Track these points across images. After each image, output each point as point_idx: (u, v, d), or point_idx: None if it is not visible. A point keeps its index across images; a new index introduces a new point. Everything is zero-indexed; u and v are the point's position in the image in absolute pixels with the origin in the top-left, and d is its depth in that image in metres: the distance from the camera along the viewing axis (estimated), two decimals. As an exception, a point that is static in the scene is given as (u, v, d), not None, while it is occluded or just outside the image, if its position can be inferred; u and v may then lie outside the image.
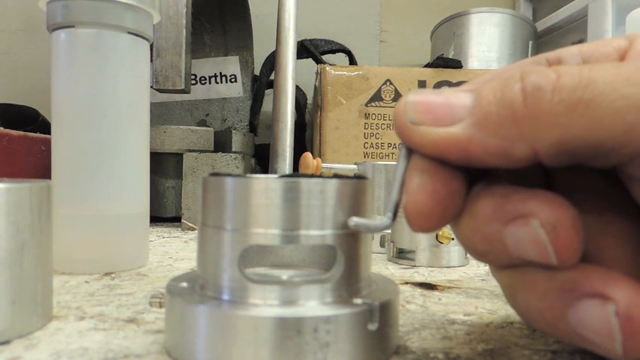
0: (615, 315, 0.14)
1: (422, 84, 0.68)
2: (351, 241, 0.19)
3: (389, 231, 0.42)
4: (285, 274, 0.23)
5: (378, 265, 0.39)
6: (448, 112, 0.16)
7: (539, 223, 0.15)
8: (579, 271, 0.15)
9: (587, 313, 0.15)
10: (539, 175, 0.19)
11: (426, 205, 0.16)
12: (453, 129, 0.15)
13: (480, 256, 0.17)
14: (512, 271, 0.17)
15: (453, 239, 0.38)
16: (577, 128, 0.14)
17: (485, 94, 0.15)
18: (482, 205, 0.16)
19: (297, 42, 0.64)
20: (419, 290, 0.31)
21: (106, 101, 0.33)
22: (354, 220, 0.18)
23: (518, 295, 0.17)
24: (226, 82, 0.75)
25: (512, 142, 0.14)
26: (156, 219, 0.62)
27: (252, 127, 0.75)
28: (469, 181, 0.17)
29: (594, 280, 0.15)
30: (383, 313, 0.18)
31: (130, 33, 0.34)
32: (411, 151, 0.17)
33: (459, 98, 0.16)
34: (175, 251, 0.43)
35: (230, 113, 0.75)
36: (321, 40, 0.76)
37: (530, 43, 0.85)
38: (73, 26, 0.33)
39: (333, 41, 0.77)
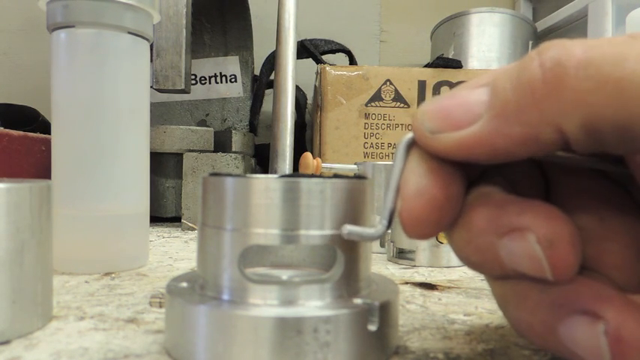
0: (604, 334, 0.14)
1: (422, 84, 0.68)
2: (351, 241, 0.19)
3: (389, 231, 0.42)
4: (285, 274, 0.23)
5: (378, 265, 0.39)
6: (465, 112, 0.15)
7: (536, 238, 0.14)
8: (572, 285, 0.15)
9: (577, 330, 0.14)
10: (538, 179, 0.18)
11: (422, 212, 0.15)
12: (473, 128, 0.14)
13: (474, 267, 0.16)
14: (505, 282, 0.16)
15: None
16: (605, 108, 0.13)
17: (500, 82, 0.14)
18: (477, 215, 0.15)
19: (297, 42, 0.64)
20: (419, 290, 0.31)
21: (106, 101, 0.33)
22: (348, 229, 0.18)
23: (509, 306, 0.16)
24: (226, 82, 0.75)
25: (537, 127, 0.13)
26: (156, 219, 0.62)
27: (252, 127, 0.75)
28: (467, 184, 0.16)
29: (586, 297, 0.14)
30: (383, 313, 0.18)
31: (130, 33, 0.34)
32: (407, 156, 0.17)
33: (474, 95, 0.15)
34: (175, 251, 0.43)
35: (230, 113, 0.75)
36: (321, 40, 0.76)
37: (530, 43, 0.85)
38: (73, 26, 0.33)
39: (333, 41, 0.77)
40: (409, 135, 0.17)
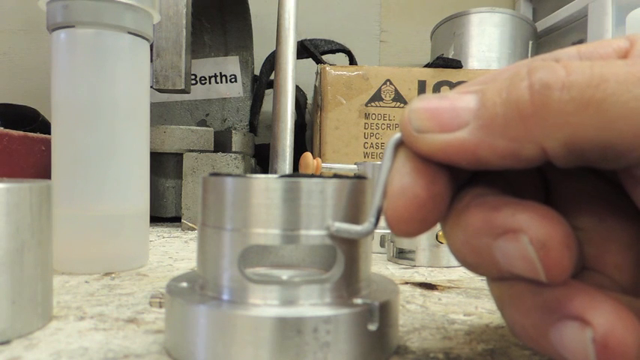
0: (592, 341, 0.14)
1: (422, 84, 0.68)
2: (351, 241, 0.19)
3: (389, 231, 0.42)
4: (285, 274, 0.23)
5: (378, 265, 0.39)
6: (453, 116, 0.15)
7: (528, 239, 0.14)
8: (565, 289, 0.15)
9: (566, 335, 0.14)
10: (537, 180, 0.18)
11: (405, 210, 0.15)
12: (459, 134, 0.15)
13: (471, 268, 0.17)
14: (501, 283, 0.16)
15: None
16: (587, 128, 0.13)
17: (489, 95, 0.15)
18: (472, 217, 0.15)
19: (297, 42, 0.64)
20: (419, 290, 0.31)
21: (106, 101, 0.33)
22: (336, 226, 0.18)
23: (505, 307, 0.16)
24: (226, 82, 0.75)
25: (521, 142, 0.14)
26: (156, 219, 0.62)
27: (252, 127, 0.75)
28: (456, 183, 0.17)
29: (577, 302, 0.14)
30: (383, 313, 0.18)
31: (130, 33, 0.34)
32: (394, 155, 0.17)
33: (463, 101, 0.15)
34: (175, 251, 0.43)
35: (230, 113, 0.75)
36: (321, 40, 0.76)
37: (530, 43, 0.85)
38: (73, 26, 0.33)
39: (333, 41, 0.77)
40: (398, 134, 0.17)
